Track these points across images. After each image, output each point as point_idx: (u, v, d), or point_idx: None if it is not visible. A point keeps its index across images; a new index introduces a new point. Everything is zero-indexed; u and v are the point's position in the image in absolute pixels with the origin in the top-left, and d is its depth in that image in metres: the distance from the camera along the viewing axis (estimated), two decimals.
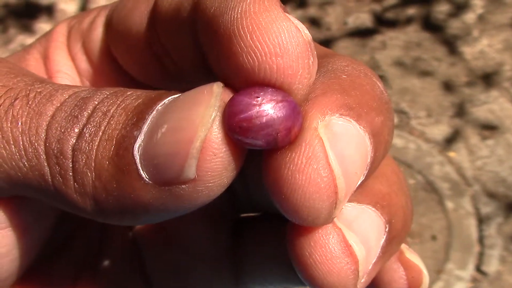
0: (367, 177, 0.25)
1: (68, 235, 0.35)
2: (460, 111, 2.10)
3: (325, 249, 0.24)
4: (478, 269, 1.74)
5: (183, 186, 0.22)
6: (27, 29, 2.43)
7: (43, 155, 0.23)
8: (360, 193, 0.26)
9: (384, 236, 0.26)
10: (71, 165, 0.23)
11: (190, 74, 0.29)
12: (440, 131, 2.05)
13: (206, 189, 0.22)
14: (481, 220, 1.83)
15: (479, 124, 2.06)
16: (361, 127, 0.23)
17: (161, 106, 0.22)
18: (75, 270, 0.34)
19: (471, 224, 1.83)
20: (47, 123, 0.24)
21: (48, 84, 0.25)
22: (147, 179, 0.22)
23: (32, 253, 0.29)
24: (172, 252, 0.36)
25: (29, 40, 2.37)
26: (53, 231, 0.31)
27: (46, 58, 0.34)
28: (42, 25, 2.44)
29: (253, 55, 0.21)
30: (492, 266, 1.75)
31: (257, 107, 0.22)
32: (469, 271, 1.73)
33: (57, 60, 0.34)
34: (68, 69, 0.34)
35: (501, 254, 1.77)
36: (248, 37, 0.21)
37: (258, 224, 0.37)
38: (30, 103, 0.24)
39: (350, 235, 0.25)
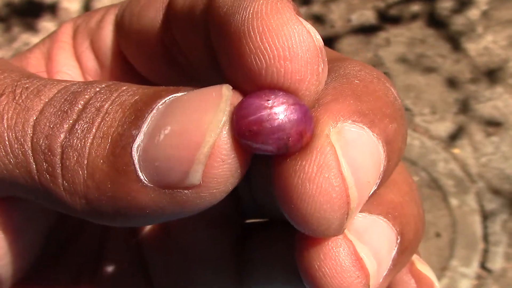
0: (379, 186, 0.24)
1: (67, 238, 0.34)
2: (465, 107, 2.09)
3: (335, 262, 0.23)
4: (483, 266, 1.73)
5: (186, 191, 0.21)
6: (31, 27, 2.43)
7: (29, 151, 0.22)
8: (371, 203, 0.25)
9: (396, 248, 0.25)
10: (59, 162, 0.22)
11: (203, 74, 0.28)
12: (444, 127, 2.04)
13: (210, 195, 0.21)
14: (486, 217, 1.82)
15: (484, 121, 2.05)
16: (374, 134, 0.22)
17: (161, 104, 0.21)
18: (75, 274, 0.33)
19: (476, 221, 1.82)
20: (35, 118, 0.23)
21: (35, 79, 0.24)
22: (146, 181, 0.21)
23: (28, 256, 0.29)
24: (175, 256, 0.35)
25: (32, 38, 2.37)
26: (50, 234, 0.31)
27: (48, 59, 0.34)
28: (46, 24, 2.44)
29: (262, 57, 0.21)
30: (496, 263, 1.74)
31: (268, 110, 0.21)
32: (474, 268, 1.73)
33: (59, 60, 0.33)
34: (70, 69, 0.33)
35: (506, 251, 1.76)
36: (258, 38, 0.21)
37: (263, 230, 0.36)
38: (16, 98, 0.23)
39: (361, 247, 0.24)
